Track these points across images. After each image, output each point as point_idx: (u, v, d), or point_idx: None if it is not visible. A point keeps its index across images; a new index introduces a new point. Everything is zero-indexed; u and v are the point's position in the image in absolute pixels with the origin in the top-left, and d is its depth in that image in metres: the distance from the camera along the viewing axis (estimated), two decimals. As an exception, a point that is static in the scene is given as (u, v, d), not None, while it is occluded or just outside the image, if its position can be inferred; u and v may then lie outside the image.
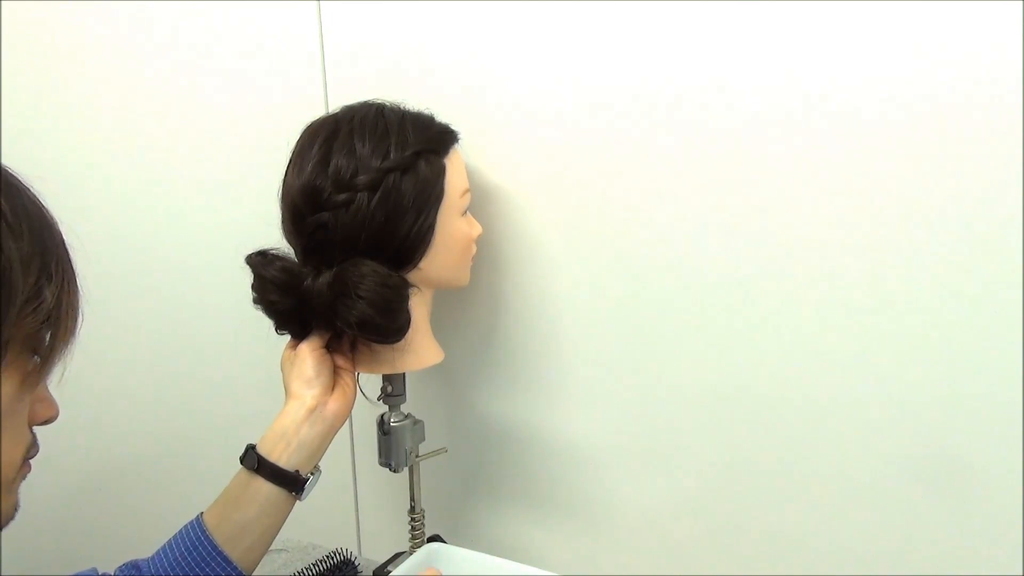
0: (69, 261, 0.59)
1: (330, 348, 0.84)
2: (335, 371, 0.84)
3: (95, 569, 0.75)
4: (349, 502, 1.14)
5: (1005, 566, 0.77)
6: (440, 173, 0.81)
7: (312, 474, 0.83)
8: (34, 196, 0.58)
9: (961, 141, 0.70)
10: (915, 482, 0.79)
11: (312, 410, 0.81)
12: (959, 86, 0.69)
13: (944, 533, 0.79)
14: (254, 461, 0.81)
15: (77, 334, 0.59)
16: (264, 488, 0.80)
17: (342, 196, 0.77)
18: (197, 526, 0.79)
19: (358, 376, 0.95)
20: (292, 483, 0.81)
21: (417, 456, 0.95)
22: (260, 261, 0.81)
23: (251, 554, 0.80)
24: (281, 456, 0.81)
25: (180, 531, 0.80)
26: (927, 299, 0.75)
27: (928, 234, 0.73)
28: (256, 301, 0.82)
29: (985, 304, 0.73)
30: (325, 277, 0.78)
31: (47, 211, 0.59)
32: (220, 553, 0.78)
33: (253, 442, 0.82)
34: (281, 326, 0.83)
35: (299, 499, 0.83)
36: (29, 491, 1.19)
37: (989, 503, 0.77)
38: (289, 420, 0.82)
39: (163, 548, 0.79)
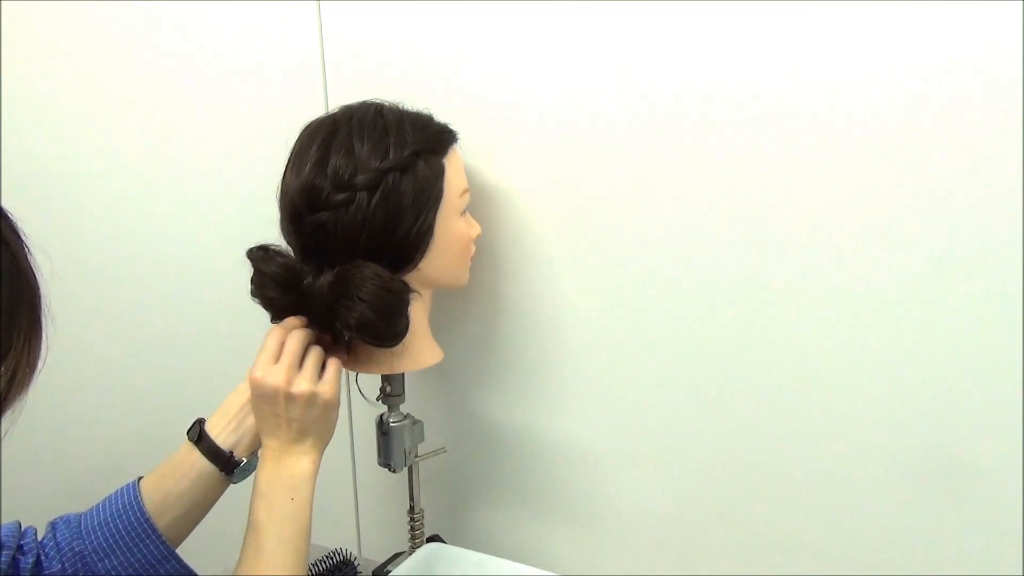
0: (38, 319, 0.57)
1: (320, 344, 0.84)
2: None
3: (18, 523, 0.76)
4: (349, 502, 1.14)
5: (1005, 566, 0.77)
6: (439, 173, 0.81)
7: (247, 459, 0.82)
8: (16, 245, 0.56)
9: (962, 141, 0.70)
10: (915, 482, 0.79)
11: None
12: (960, 86, 0.69)
13: (944, 533, 0.79)
14: (196, 433, 0.81)
15: (28, 389, 0.58)
16: (199, 463, 0.80)
17: (341, 196, 0.77)
18: (132, 490, 0.79)
19: (356, 377, 0.95)
20: (225, 463, 0.81)
21: (416, 456, 0.95)
22: (261, 256, 0.80)
23: (178, 526, 0.80)
24: (220, 434, 0.81)
25: (116, 492, 0.80)
26: (927, 298, 0.75)
27: (928, 234, 0.73)
28: (254, 294, 0.82)
29: (985, 304, 0.73)
30: (326, 277, 0.78)
31: (24, 258, 0.57)
32: (148, 521, 0.78)
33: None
34: (276, 320, 0.83)
35: (232, 481, 0.82)
36: (28, 489, 1.20)
37: (989, 503, 0.77)
38: (235, 400, 0.83)
39: (98, 505, 0.80)
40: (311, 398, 0.77)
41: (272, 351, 0.78)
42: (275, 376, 0.76)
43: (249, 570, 0.73)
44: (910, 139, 0.72)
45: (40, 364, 0.58)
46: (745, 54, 0.76)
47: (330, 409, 0.79)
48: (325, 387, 0.78)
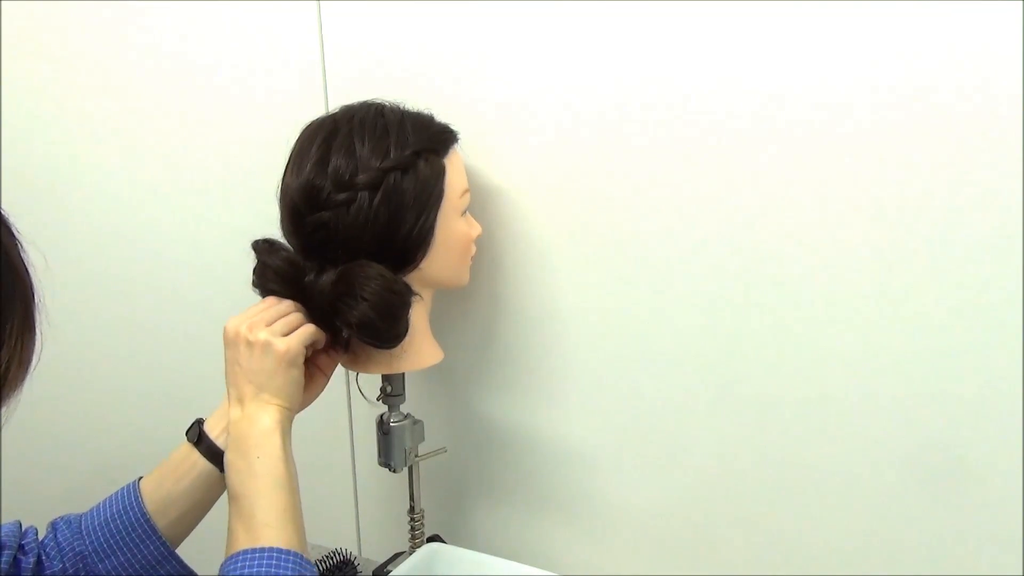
0: (31, 316, 0.57)
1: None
2: (310, 369, 0.83)
3: (18, 523, 0.75)
4: (349, 502, 1.14)
5: (1005, 566, 0.77)
6: (440, 173, 0.81)
7: None
8: (10, 243, 0.56)
9: (961, 142, 0.70)
10: (915, 482, 0.79)
11: None
12: (960, 86, 0.69)
13: (944, 533, 0.79)
14: (196, 434, 0.81)
15: (23, 385, 0.57)
16: (199, 464, 0.80)
17: (342, 196, 0.77)
18: (133, 491, 0.79)
19: (357, 376, 0.95)
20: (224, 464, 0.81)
21: (417, 456, 0.95)
22: (266, 248, 0.81)
23: (177, 527, 0.80)
24: (220, 435, 0.80)
25: (117, 492, 0.80)
26: (926, 298, 0.75)
27: (927, 234, 0.73)
28: (255, 285, 0.82)
29: (985, 303, 0.73)
30: (329, 275, 0.78)
31: (17, 255, 0.56)
32: (149, 522, 0.78)
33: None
34: None
35: None
36: (29, 489, 1.19)
37: (989, 503, 0.77)
38: None
39: (99, 506, 0.80)
40: (265, 347, 0.76)
41: (255, 309, 0.79)
42: (239, 322, 0.77)
43: (233, 536, 0.72)
44: (911, 139, 0.72)
45: (35, 361, 0.57)
46: (746, 56, 0.76)
47: (284, 364, 0.76)
48: (283, 340, 0.77)
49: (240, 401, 0.77)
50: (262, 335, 0.76)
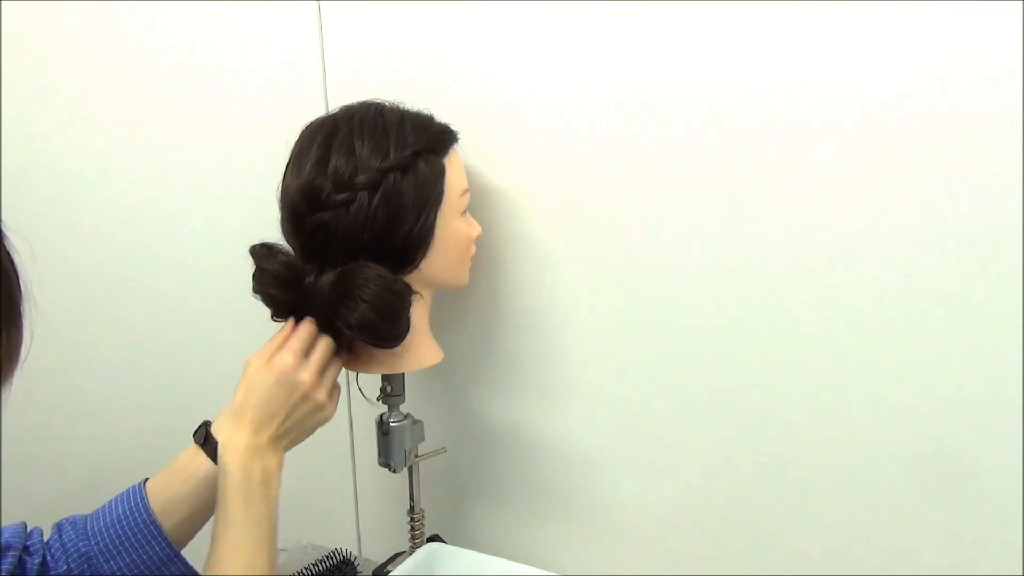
0: (16, 310, 0.56)
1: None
2: None
3: (23, 524, 0.76)
4: (349, 502, 1.14)
5: (1005, 566, 0.77)
6: (440, 173, 0.81)
7: None
8: None
9: (961, 142, 0.70)
10: (915, 482, 0.79)
11: None
12: (960, 86, 0.69)
13: (944, 533, 0.79)
14: (202, 436, 0.81)
15: (13, 375, 0.56)
16: (204, 465, 0.80)
17: (342, 196, 0.77)
18: (139, 492, 0.80)
19: (357, 376, 0.95)
20: None
21: (416, 456, 0.95)
22: (263, 253, 0.81)
23: (183, 528, 0.80)
24: None
25: (123, 493, 0.80)
26: (927, 299, 0.75)
27: (928, 234, 0.73)
28: (255, 291, 0.82)
29: (985, 304, 0.73)
30: (328, 277, 0.78)
31: (2, 250, 0.56)
32: (155, 523, 0.78)
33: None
34: (277, 317, 0.83)
35: None
36: (34, 490, 1.20)
37: (989, 503, 0.77)
38: None
39: (104, 507, 0.80)
40: (318, 408, 0.80)
41: (303, 345, 0.80)
42: (307, 373, 0.79)
43: (225, 567, 0.72)
44: (912, 140, 0.72)
45: (24, 355, 0.57)
46: (744, 56, 0.76)
47: (320, 424, 0.82)
48: (332, 407, 0.82)
49: (257, 431, 0.78)
50: (322, 396, 0.80)
